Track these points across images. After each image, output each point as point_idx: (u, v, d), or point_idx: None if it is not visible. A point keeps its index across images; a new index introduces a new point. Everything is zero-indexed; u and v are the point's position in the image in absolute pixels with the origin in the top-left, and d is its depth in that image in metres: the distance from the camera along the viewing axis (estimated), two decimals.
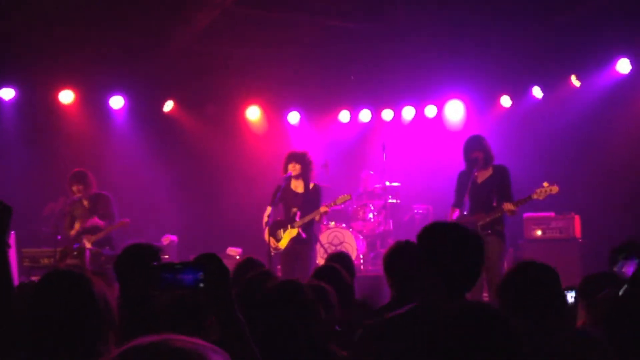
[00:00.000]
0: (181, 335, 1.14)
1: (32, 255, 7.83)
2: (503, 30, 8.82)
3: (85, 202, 8.12)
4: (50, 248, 7.82)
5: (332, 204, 7.88)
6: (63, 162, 10.03)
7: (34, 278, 6.45)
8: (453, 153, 7.22)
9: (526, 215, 8.81)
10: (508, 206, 6.65)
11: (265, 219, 7.64)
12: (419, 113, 11.42)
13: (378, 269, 8.71)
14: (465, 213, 6.92)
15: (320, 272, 4.21)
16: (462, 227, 2.70)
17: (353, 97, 11.43)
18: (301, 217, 7.67)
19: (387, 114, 11.63)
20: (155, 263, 2.05)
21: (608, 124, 9.37)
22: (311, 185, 7.81)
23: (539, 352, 2.52)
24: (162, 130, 10.98)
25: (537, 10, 8.42)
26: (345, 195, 8.00)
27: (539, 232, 8.80)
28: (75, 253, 7.66)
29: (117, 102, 10.52)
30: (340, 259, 4.81)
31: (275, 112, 11.57)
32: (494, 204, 6.87)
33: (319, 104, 11.52)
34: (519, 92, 10.47)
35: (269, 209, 7.69)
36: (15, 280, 2.59)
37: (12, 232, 2.54)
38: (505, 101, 10.65)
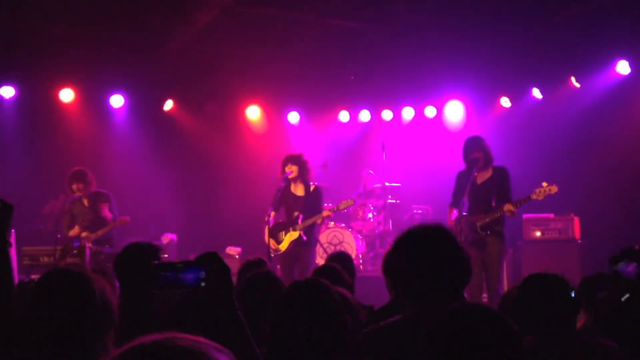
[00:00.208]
0: (184, 334, 1.14)
1: (32, 253, 7.83)
2: (503, 32, 8.82)
3: (85, 201, 8.12)
4: (50, 246, 7.82)
5: (335, 209, 7.87)
6: (63, 161, 10.03)
7: (33, 276, 6.45)
8: (452, 154, 7.23)
9: (525, 216, 8.81)
10: (508, 207, 6.65)
11: (267, 219, 7.64)
12: (419, 113, 11.43)
13: (377, 268, 8.71)
14: (464, 214, 6.90)
15: (320, 271, 4.21)
16: (434, 229, 2.64)
17: (353, 97, 11.43)
18: (303, 220, 7.67)
19: (387, 114, 11.64)
20: (155, 262, 2.05)
21: (607, 126, 9.38)
22: (311, 188, 7.80)
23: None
24: (162, 130, 10.99)
25: (537, 12, 8.43)
26: (349, 200, 7.98)
27: (538, 233, 8.80)
28: (75, 252, 7.66)
29: (117, 100, 10.52)
30: (340, 259, 4.81)
31: (275, 112, 11.57)
32: (493, 205, 6.86)
33: (319, 104, 11.52)
34: (519, 93, 10.48)
35: (272, 214, 7.68)
36: (15, 278, 2.59)
37: (12, 230, 2.54)
38: (505, 102, 10.66)
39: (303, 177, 7.74)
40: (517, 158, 8.73)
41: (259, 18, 8.71)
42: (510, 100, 10.63)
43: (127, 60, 9.49)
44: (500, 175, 6.96)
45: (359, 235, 9.75)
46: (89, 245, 7.87)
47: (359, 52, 9.75)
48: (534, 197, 6.72)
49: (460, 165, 7.24)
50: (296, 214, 7.73)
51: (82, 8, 8.16)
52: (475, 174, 6.95)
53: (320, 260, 8.30)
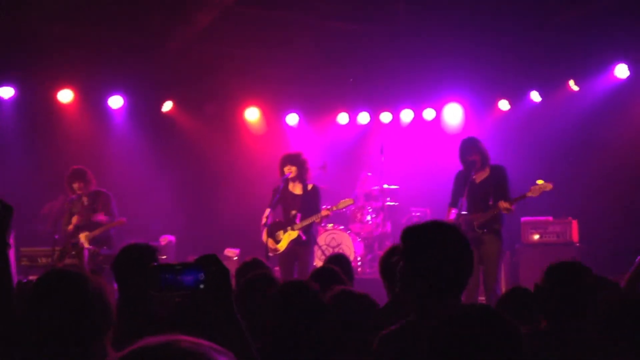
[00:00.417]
0: (186, 336, 1.14)
1: (30, 254, 7.83)
2: (502, 34, 8.84)
3: (85, 199, 8.13)
4: (49, 247, 7.82)
5: (334, 208, 7.88)
6: (62, 161, 10.02)
7: (31, 277, 6.44)
8: (451, 156, 7.24)
9: (524, 219, 8.82)
10: (503, 204, 6.69)
11: (264, 220, 7.64)
12: (418, 116, 11.43)
13: (375, 271, 8.72)
14: (463, 212, 6.93)
15: (318, 273, 4.21)
16: (444, 225, 2.64)
17: (352, 99, 11.44)
18: (301, 219, 7.67)
19: (386, 117, 11.64)
20: (154, 263, 2.05)
21: (606, 129, 9.39)
22: (309, 187, 7.81)
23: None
24: (161, 131, 10.98)
25: (536, 14, 8.44)
26: (348, 199, 8.00)
27: (536, 237, 8.81)
28: (73, 252, 7.66)
29: (116, 101, 10.52)
30: (338, 261, 4.81)
31: (274, 114, 11.58)
32: (490, 203, 6.90)
33: (317, 106, 11.53)
34: (517, 96, 10.49)
35: (267, 211, 7.69)
36: (14, 279, 2.60)
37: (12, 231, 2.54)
38: (504, 105, 10.67)
39: (301, 176, 7.74)
40: (516, 161, 8.74)
41: (259, 19, 8.71)
42: (509, 103, 10.64)
43: (126, 61, 9.49)
44: (498, 174, 7.00)
45: (357, 238, 9.75)
46: (87, 246, 7.87)
47: (358, 54, 9.76)
48: (529, 194, 6.80)
49: (458, 167, 7.27)
50: (294, 212, 7.73)
51: (81, 9, 8.17)
52: (474, 174, 6.99)
53: (318, 262, 8.29)
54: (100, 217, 8.05)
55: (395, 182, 10.50)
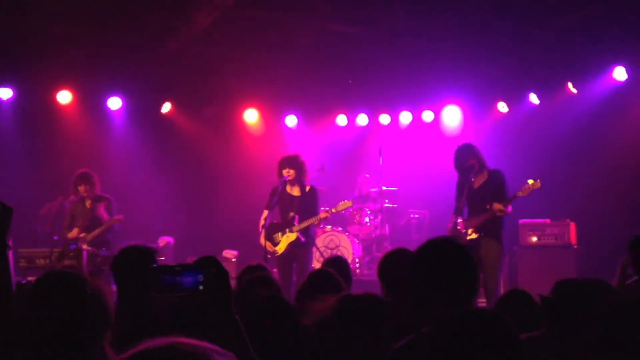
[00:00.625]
0: (187, 338, 1.15)
1: (29, 255, 7.83)
2: (500, 37, 8.85)
3: (88, 203, 8.22)
4: (47, 248, 7.82)
5: (333, 210, 7.88)
6: (60, 163, 10.03)
7: (30, 278, 6.45)
8: (450, 158, 7.25)
9: (522, 221, 8.83)
10: (497, 206, 6.75)
11: (262, 222, 7.63)
12: (416, 118, 11.45)
13: (374, 273, 8.72)
14: (459, 221, 6.99)
15: (315, 276, 4.20)
16: (454, 243, 2.71)
17: (351, 101, 11.45)
18: (299, 220, 7.67)
19: (385, 119, 11.65)
20: (154, 265, 2.05)
21: (604, 131, 9.41)
22: (307, 188, 7.81)
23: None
24: (160, 132, 10.99)
25: (535, 17, 8.46)
26: (347, 201, 8.00)
27: (534, 239, 8.82)
28: (72, 254, 7.66)
29: (114, 103, 10.52)
30: (335, 263, 4.81)
31: (272, 115, 11.59)
32: (488, 207, 6.93)
33: (316, 108, 11.54)
34: (516, 99, 10.51)
35: (265, 213, 7.68)
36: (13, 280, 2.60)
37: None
38: (502, 107, 10.69)
39: (300, 178, 7.74)
40: (514, 163, 8.75)
41: (258, 21, 8.72)
42: (508, 106, 10.66)
43: (125, 62, 9.49)
44: (495, 178, 7.03)
45: (355, 240, 9.76)
46: (85, 247, 7.88)
47: (357, 55, 9.76)
48: (520, 194, 6.89)
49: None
50: (292, 214, 7.72)
51: (80, 10, 8.16)
52: (472, 179, 7.01)
53: (316, 264, 8.29)
54: (101, 211, 8.15)
55: (394, 184, 10.51)
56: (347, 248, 9.43)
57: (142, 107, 10.80)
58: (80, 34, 8.86)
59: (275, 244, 7.72)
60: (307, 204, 7.73)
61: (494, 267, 6.75)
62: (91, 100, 10.46)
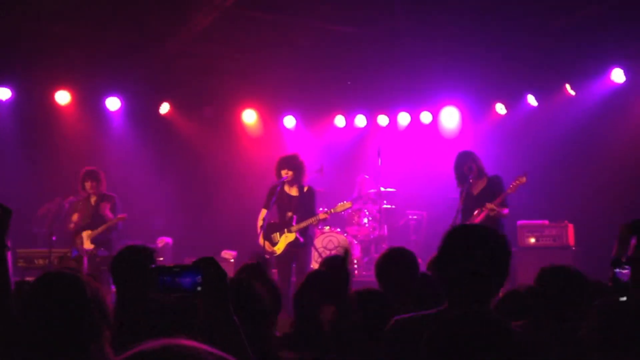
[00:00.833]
0: (186, 340, 1.15)
1: (27, 255, 7.84)
2: (498, 38, 8.86)
3: (93, 200, 8.33)
4: (45, 249, 7.83)
5: (332, 211, 7.89)
6: (58, 163, 10.04)
7: (28, 278, 6.45)
8: (448, 159, 7.29)
9: (520, 222, 8.84)
10: (489, 205, 6.92)
11: (260, 222, 7.64)
12: (414, 119, 11.45)
13: (372, 273, 8.71)
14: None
15: (313, 277, 4.20)
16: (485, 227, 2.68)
17: (349, 102, 11.46)
18: (297, 220, 7.67)
19: (383, 120, 11.66)
20: (153, 265, 2.06)
21: (602, 133, 9.42)
22: (305, 188, 7.81)
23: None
24: (158, 133, 10.99)
25: (532, 19, 8.47)
26: (346, 202, 8.01)
27: (532, 240, 8.82)
28: (73, 260, 7.70)
29: (113, 103, 10.52)
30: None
31: (271, 116, 11.59)
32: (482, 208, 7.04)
33: (315, 109, 11.54)
34: (514, 100, 10.52)
35: (263, 212, 7.69)
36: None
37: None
38: (500, 109, 10.70)
39: (298, 179, 7.75)
40: (512, 164, 8.76)
41: (256, 22, 8.72)
42: (506, 107, 10.67)
43: (123, 62, 9.49)
44: (494, 184, 7.15)
45: (354, 240, 9.77)
46: (87, 246, 7.98)
47: (356, 57, 9.77)
48: (509, 191, 7.11)
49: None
50: (290, 214, 7.72)
51: (78, 10, 8.16)
52: (471, 180, 7.08)
53: (315, 265, 8.30)
54: (107, 211, 8.25)
55: (392, 185, 10.52)
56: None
57: (140, 108, 10.80)
58: (79, 34, 8.86)
59: (274, 244, 7.72)
60: (305, 205, 7.74)
61: None
62: (90, 101, 10.45)
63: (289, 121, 11.64)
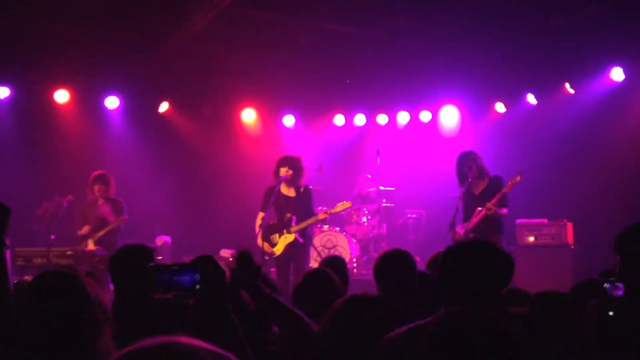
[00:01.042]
0: (185, 338, 1.14)
1: (25, 254, 7.83)
2: (498, 37, 8.86)
3: (100, 202, 8.39)
4: (44, 247, 7.83)
5: (332, 211, 7.88)
6: (57, 162, 10.03)
7: (27, 277, 6.45)
8: (447, 158, 7.31)
9: (519, 221, 8.84)
10: (487, 205, 6.95)
11: (259, 221, 7.62)
12: (414, 118, 11.45)
13: (371, 272, 8.71)
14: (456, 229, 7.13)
15: (311, 276, 4.20)
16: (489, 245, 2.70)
17: (348, 101, 11.45)
18: (297, 221, 7.66)
19: (382, 119, 11.66)
20: (152, 264, 2.06)
21: (602, 132, 9.43)
22: (302, 189, 7.81)
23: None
24: (157, 131, 10.98)
25: (532, 18, 8.47)
26: (346, 202, 8.00)
27: (531, 239, 8.83)
28: (69, 253, 7.74)
29: (112, 102, 10.51)
30: (333, 263, 4.80)
31: (270, 115, 11.59)
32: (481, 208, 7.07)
33: (314, 108, 11.54)
34: (514, 99, 10.52)
35: (261, 214, 7.66)
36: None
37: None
38: (500, 107, 10.70)
39: (295, 180, 7.74)
40: (511, 163, 8.76)
41: (255, 21, 8.72)
42: (505, 106, 10.67)
43: (122, 61, 9.48)
44: (496, 184, 7.18)
45: (353, 239, 9.76)
46: (91, 247, 8.13)
47: (355, 56, 9.77)
48: (504, 190, 7.14)
49: (454, 169, 7.37)
50: (288, 215, 7.71)
51: (77, 9, 8.16)
52: (470, 179, 7.11)
53: (314, 264, 8.29)
54: (107, 213, 8.28)
55: (391, 184, 10.52)
56: (345, 248, 9.43)
57: (139, 107, 10.78)
58: (78, 33, 8.85)
59: (273, 245, 7.71)
60: (303, 205, 7.73)
61: None
62: (89, 100, 10.44)
63: (289, 120, 11.64)
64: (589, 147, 9.53)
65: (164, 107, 10.93)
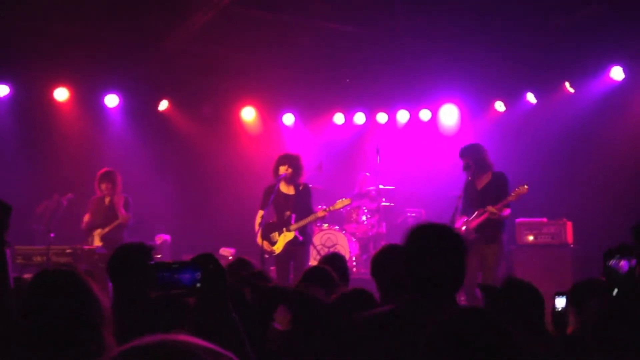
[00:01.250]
0: (184, 336, 1.14)
1: (25, 252, 7.83)
2: (498, 36, 8.85)
3: (107, 200, 8.44)
4: (44, 245, 7.83)
5: (331, 209, 7.89)
6: (57, 160, 10.03)
7: (26, 275, 6.45)
8: (447, 157, 7.31)
9: (518, 220, 8.84)
10: (490, 208, 6.87)
11: (259, 220, 7.63)
12: (414, 117, 11.46)
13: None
14: (459, 224, 7.09)
15: (310, 273, 4.20)
16: (444, 228, 2.75)
17: (348, 100, 11.45)
18: (296, 219, 7.67)
19: (382, 117, 11.66)
20: (151, 262, 2.06)
21: (601, 131, 9.43)
22: (301, 187, 7.82)
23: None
24: (157, 130, 10.98)
25: (532, 17, 8.46)
26: (345, 199, 8.01)
27: (531, 238, 8.83)
28: (68, 251, 7.75)
29: (112, 100, 10.51)
30: (332, 260, 4.81)
31: (270, 114, 11.59)
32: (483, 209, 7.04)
33: (313, 106, 11.54)
34: (513, 98, 10.52)
35: (261, 213, 7.67)
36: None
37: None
38: (500, 106, 10.70)
39: (295, 179, 7.74)
40: (511, 162, 8.76)
41: (255, 20, 8.71)
42: (505, 105, 10.67)
43: (122, 59, 9.47)
44: (498, 181, 7.15)
45: (352, 238, 9.76)
46: (97, 244, 8.22)
47: (355, 54, 9.76)
48: (510, 199, 7.02)
49: (454, 169, 7.36)
50: (288, 213, 7.72)
51: (77, 7, 8.15)
52: (469, 177, 7.10)
53: (313, 263, 8.30)
54: (121, 208, 8.42)
55: (391, 183, 10.52)
56: (344, 246, 9.44)
57: (139, 105, 10.78)
58: (78, 31, 8.84)
59: (273, 243, 7.71)
60: (302, 203, 7.74)
61: (492, 268, 6.80)
62: (88, 98, 10.44)
63: (288, 119, 11.64)
64: (589, 146, 9.53)
65: (163, 105, 10.93)
